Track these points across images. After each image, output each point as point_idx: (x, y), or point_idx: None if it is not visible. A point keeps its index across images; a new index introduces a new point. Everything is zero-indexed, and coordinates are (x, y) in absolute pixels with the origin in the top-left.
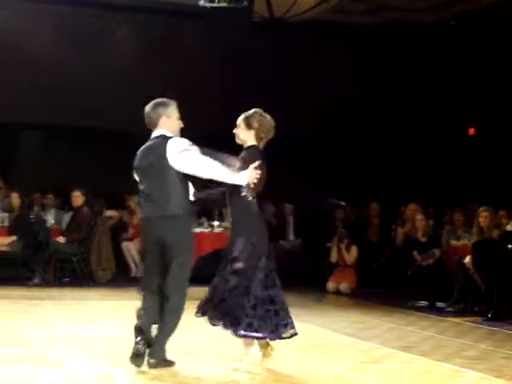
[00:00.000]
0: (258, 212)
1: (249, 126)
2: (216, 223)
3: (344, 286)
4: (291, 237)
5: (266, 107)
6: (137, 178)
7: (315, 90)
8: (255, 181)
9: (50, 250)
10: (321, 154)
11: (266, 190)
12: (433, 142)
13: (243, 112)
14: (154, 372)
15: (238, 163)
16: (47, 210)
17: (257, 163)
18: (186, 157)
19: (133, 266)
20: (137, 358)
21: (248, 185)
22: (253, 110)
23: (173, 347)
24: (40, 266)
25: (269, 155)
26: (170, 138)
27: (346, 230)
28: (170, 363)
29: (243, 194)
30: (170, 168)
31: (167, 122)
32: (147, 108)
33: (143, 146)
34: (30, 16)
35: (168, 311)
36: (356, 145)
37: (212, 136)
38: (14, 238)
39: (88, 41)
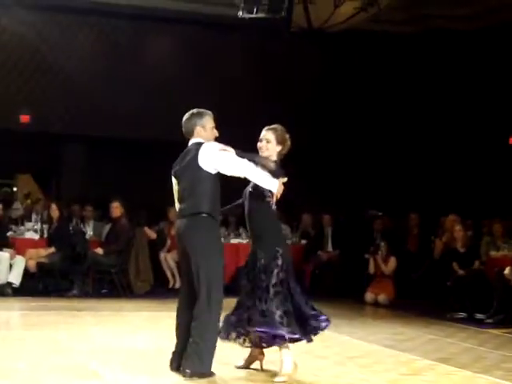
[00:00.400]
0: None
1: (280, 142)
2: None
3: (382, 297)
4: (329, 247)
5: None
6: (174, 183)
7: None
8: (279, 194)
9: (89, 261)
10: (360, 164)
11: (304, 200)
12: (472, 152)
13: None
14: (192, 381)
15: (272, 164)
16: (86, 222)
17: (285, 179)
18: (224, 157)
19: (170, 277)
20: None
21: (274, 194)
22: (280, 126)
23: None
24: (78, 277)
25: (308, 165)
26: (203, 143)
27: (385, 241)
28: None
29: (267, 199)
30: (201, 170)
31: (202, 131)
32: (184, 118)
33: (181, 154)
34: (70, 28)
35: (199, 325)
36: (398, 156)
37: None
38: (52, 249)
39: (129, 52)
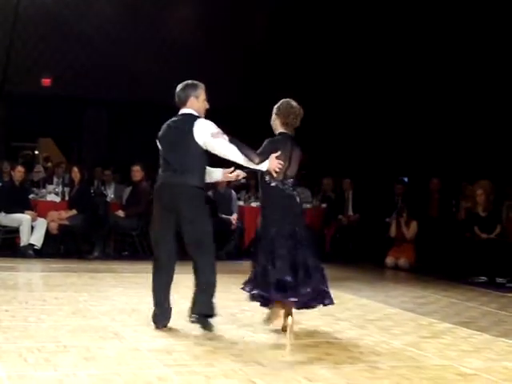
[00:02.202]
0: (281, 196)
1: (277, 113)
2: None
3: (403, 261)
4: (350, 211)
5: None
6: (160, 147)
7: None
8: (277, 169)
9: (110, 223)
10: (382, 128)
11: (325, 164)
12: (494, 118)
13: None
14: (212, 344)
15: (257, 159)
16: (107, 185)
17: (278, 153)
18: (219, 142)
19: None
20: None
21: (269, 171)
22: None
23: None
24: (100, 239)
25: (329, 129)
26: (197, 117)
27: (406, 205)
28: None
29: (266, 179)
30: (196, 145)
31: (195, 102)
32: (178, 88)
33: (170, 120)
34: None
35: (200, 270)
36: (420, 120)
37: None
38: (74, 211)
39: (152, 16)
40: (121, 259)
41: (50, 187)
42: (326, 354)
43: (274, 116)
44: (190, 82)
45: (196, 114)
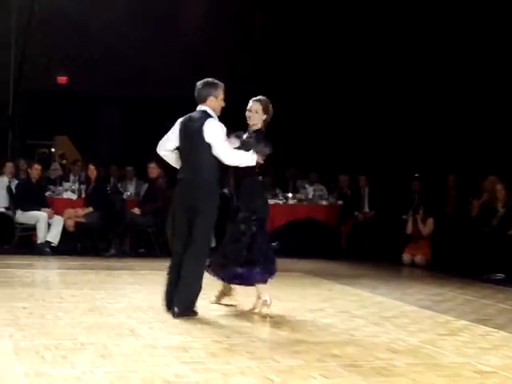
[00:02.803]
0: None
1: (265, 111)
2: (290, 195)
3: (419, 258)
4: (366, 208)
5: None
6: (178, 144)
7: None
8: (259, 162)
9: (126, 221)
10: (399, 125)
11: (341, 161)
12: (508, 116)
13: None
14: (228, 341)
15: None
16: (128, 181)
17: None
18: (220, 146)
19: None
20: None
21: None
22: (263, 97)
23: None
24: (116, 236)
25: (344, 126)
26: (210, 117)
27: (423, 202)
28: (194, 313)
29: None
30: (205, 142)
31: (213, 101)
32: (199, 85)
33: (188, 116)
34: None
35: (188, 259)
36: (436, 118)
37: None
38: (90, 209)
39: (164, 14)
40: (137, 256)
41: (66, 185)
42: (341, 351)
43: (261, 112)
44: (210, 80)
45: (211, 112)
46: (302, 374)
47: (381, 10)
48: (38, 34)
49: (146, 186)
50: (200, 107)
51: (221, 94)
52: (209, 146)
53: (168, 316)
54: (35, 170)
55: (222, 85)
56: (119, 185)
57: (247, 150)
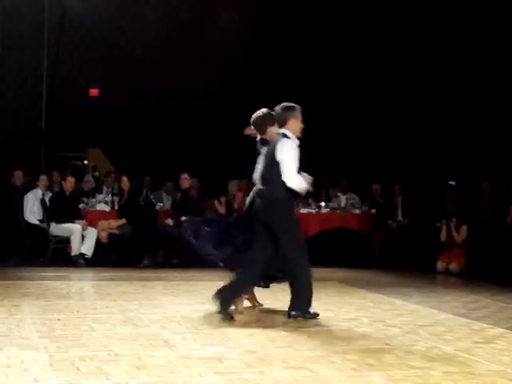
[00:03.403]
0: None
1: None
2: (323, 204)
3: (453, 266)
4: (399, 217)
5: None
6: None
7: None
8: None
9: (159, 232)
10: (432, 134)
11: (374, 169)
12: None
13: None
14: (262, 351)
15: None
16: (165, 193)
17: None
18: (287, 168)
19: None
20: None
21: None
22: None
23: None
24: (149, 248)
25: (377, 135)
26: (286, 136)
27: (456, 210)
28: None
29: None
30: (276, 160)
31: (294, 123)
32: (277, 109)
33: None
34: (134, 7)
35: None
36: (470, 125)
37: None
38: (123, 221)
39: (191, 24)
40: (170, 267)
41: (99, 197)
42: (377, 361)
43: (270, 123)
44: (288, 104)
45: (289, 134)
46: (337, 383)
47: (408, 16)
48: (69, 48)
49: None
50: (281, 130)
51: (299, 115)
52: (278, 164)
53: (202, 326)
54: (69, 183)
55: (299, 107)
56: (151, 196)
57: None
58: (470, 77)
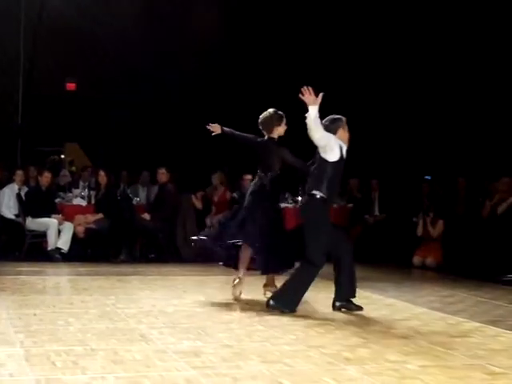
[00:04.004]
0: None
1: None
2: (300, 198)
3: (430, 261)
4: (376, 211)
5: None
6: None
7: None
8: None
9: (136, 226)
10: (409, 128)
11: (351, 164)
12: None
13: None
14: (239, 345)
15: None
16: (140, 187)
17: None
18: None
19: None
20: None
21: None
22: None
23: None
24: (126, 242)
25: (355, 129)
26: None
27: (432, 205)
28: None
29: None
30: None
31: (342, 133)
32: (326, 121)
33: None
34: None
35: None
36: (445, 121)
37: None
38: (100, 215)
39: (170, 19)
40: (147, 262)
41: (76, 191)
42: (354, 355)
43: (277, 123)
44: (336, 116)
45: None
46: (313, 377)
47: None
48: (46, 41)
49: (152, 190)
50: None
51: (345, 125)
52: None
53: (178, 321)
54: (45, 178)
55: (344, 118)
56: (129, 190)
57: None
58: (446, 72)
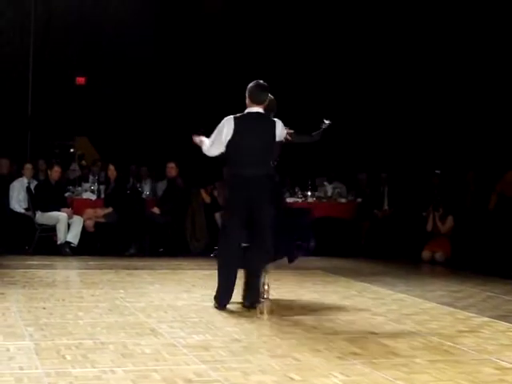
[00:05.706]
0: None
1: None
2: (309, 193)
3: (439, 255)
4: (385, 206)
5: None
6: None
7: None
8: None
9: (146, 220)
10: (418, 122)
11: (360, 159)
12: None
13: None
14: (248, 339)
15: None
16: (143, 181)
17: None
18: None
19: None
20: None
21: None
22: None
23: None
24: (135, 236)
25: (364, 124)
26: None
27: (442, 199)
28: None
29: None
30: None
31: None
32: (258, 88)
33: (244, 115)
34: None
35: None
36: (455, 114)
37: None
38: (110, 209)
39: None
40: (157, 256)
41: (85, 185)
42: (362, 349)
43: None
44: (265, 84)
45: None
46: (322, 371)
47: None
48: (56, 36)
49: (161, 185)
50: (256, 109)
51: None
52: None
53: (188, 315)
54: (55, 172)
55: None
56: (138, 185)
57: None
58: (453, 67)
